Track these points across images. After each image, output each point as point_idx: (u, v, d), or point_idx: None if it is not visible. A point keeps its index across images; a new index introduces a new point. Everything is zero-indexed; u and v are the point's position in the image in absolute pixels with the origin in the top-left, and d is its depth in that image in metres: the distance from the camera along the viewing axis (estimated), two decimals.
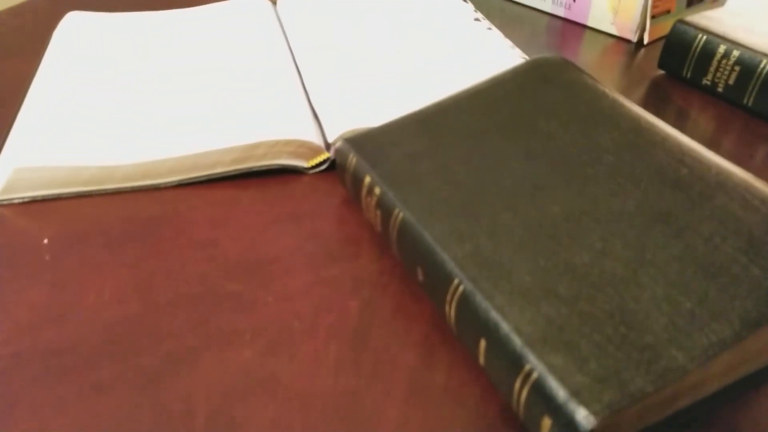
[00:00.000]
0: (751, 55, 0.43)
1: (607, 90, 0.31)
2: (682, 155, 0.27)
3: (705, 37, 0.45)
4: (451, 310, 0.25)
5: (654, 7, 0.52)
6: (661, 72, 0.50)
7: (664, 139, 0.28)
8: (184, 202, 0.33)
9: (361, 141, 0.32)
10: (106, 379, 0.24)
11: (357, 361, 0.25)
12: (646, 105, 0.46)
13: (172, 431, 0.22)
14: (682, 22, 0.47)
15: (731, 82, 0.45)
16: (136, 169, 0.33)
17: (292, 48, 0.46)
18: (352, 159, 0.31)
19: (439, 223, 0.26)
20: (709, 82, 0.46)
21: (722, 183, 0.26)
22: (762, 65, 0.42)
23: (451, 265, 0.25)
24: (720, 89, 0.46)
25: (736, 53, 0.44)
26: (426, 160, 0.30)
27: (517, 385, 0.21)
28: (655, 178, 0.26)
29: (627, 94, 0.47)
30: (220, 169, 0.35)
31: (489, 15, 0.58)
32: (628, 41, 0.54)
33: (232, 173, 0.35)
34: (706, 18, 0.47)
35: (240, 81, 0.40)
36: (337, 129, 0.36)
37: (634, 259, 0.24)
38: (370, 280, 0.29)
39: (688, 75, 0.47)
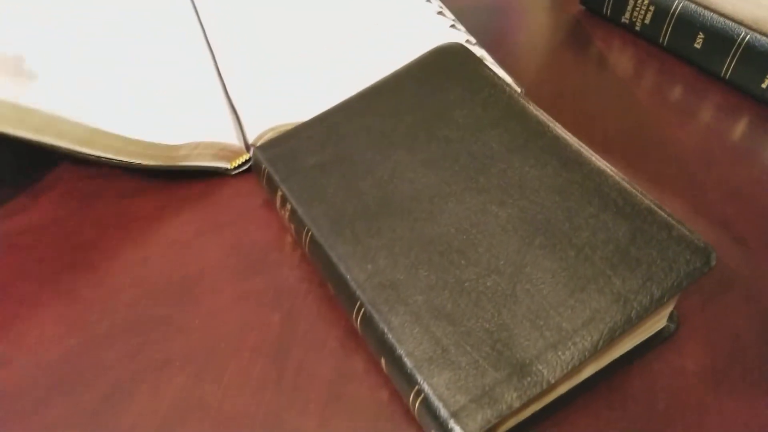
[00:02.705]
0: None
1: (505, 86, 0.32)
2: (566, 159, 0.29)
3: None
4: (357, 325, 0.27)
5: None
6: (583, 8, 0.49)
7: (552, 142, 0.29)
8: (111, 219, 0.34)
9: (272, 150, 0.33)
10: (55, 419, 0.27)
11: (279, 378, 0.28)
12: (568, 46, 0.46)
13: None
14: None
15: (647, 21, 0.45)
16: (48, 122, 0.31)
17: (204, 26, 0.45)
18: (266, 169, 0.32)
19: (343, 243, 0.28)
20: (627, 21, 0.46)
21: (599, 188, 0.28)
22: (675, 5, 0.42)
23: (353, 287, 0.27)
24: (638, 28, 0.46)
25: None
26: (333, 171, 0.31)
27: (411, 398, 0.25)
28: (539, 185, 0.28)
29: (550, 34, 0.47)
30: (138, 160, 0.34)
31: None
32: None
33: (152, 168, 0.35)
34: None
35: (152, 69, 0.39)
36: (257, 127, 0.36)
37: (514, 273, 0.26)
38: (291, 290, 0.31)
39: (608, 13, 0.47)
